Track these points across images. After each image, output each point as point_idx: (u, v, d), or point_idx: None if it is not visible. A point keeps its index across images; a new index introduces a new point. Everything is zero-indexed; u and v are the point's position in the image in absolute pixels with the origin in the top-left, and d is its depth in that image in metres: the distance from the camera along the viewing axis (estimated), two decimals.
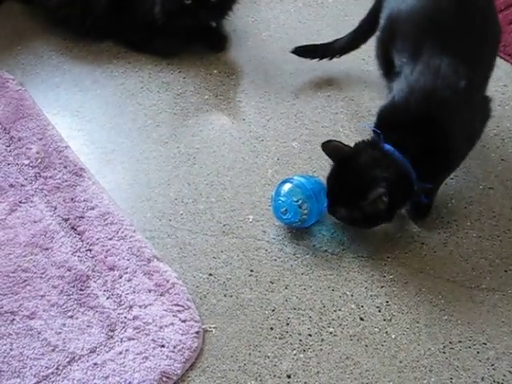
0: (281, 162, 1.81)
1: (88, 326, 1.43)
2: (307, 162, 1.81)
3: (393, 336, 1.46)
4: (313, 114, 1.95)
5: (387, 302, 1.52)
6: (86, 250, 1.56)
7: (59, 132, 1.83)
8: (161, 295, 1.48)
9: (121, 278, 1.51)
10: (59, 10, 2.10)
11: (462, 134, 1.57)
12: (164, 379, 1.36)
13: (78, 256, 1.55)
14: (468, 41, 1.56)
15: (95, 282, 1.51)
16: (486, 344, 1.45)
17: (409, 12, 1.61)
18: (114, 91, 2.00)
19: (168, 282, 1.50)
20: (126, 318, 1.45)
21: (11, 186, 1.69)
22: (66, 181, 1.70)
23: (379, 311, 1.51)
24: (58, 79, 2.03)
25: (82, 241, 1.58)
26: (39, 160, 1.74)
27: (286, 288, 1.54)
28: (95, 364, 1.37)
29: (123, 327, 1.43)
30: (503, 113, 1.91)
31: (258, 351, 1.43)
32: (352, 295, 1.53)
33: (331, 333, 1.46)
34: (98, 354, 1.39)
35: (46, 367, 1.36)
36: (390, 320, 1.49)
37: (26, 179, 1.70)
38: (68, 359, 1.38)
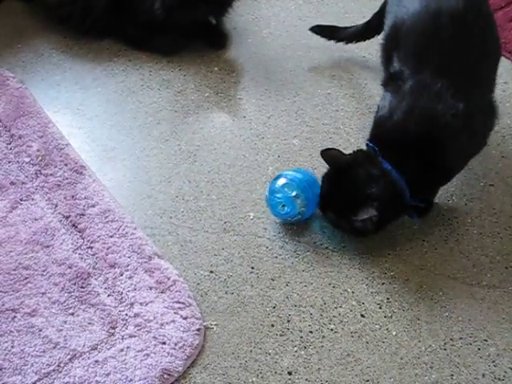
0: (281, 159, 1.81)
1: (89, 324, 1.43)
2: (308, 160, 1.81)
3: (394, 333, 1.46)
4: (313, 111, 1.95)
5: (388, 298, 1.52)
6: (87, 248, 1.57)
7: (60, 130, 1.84)
8: (162, 292, 1.48)
9: (122, 275, 1.51)
10: (59, 8, 2.10)
11: (460, 155, 1.58)
12: (165, 376, 1.36)
13: (79, 253, 1.55)
14: (466, 60, 1.55)
15: (96, 279, 1.51)
16: (486, 341, 1.45)
17: (411, 25, 1.60)
18: (114, 89, 2.00)
19: (169, 279, 1.51)
20: (127, 315, 1.45)
21: (12, 183, 1.69)
22: (67, 178, 1.70)
23: (380, 308, 1.51)
24: (58, 77, 2.03)
25: (83, 238, 1.58)
26: (40, 158, 1.75)
27: (287, 285, 1.54)
28: (96, 361, 1.37)
29: (124, 324, 1.43)
30: (504, 110, 1.91)
31: (259, 348, 1.43)
32: (353, 292, 1.53)
33: (332, 330, 1.46)
34: (99, 352, 1.39)
35: (48, 364, 1.37)
36: (391, 317, 1.49)
37: (26, 177, 1.70)
38: (69, 356, 1.38)
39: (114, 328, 1.43)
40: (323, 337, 1.45)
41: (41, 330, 1.41)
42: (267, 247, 1.61)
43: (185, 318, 1.44)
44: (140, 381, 1.35)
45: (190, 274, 1.55)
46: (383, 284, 1.55)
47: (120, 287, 1.49)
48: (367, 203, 1.50)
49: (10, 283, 1.48)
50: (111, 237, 1.58)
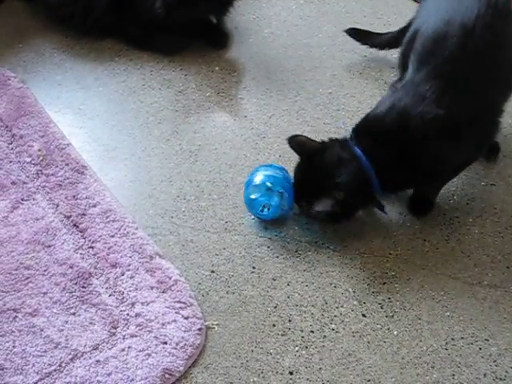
0: (283, 159, 1.81)
1: (90, 323, 1.43)
2: None
3: (395, 332, 1.46)
4: (314, 110, 1.95)
5: (389, 298, 1.52)
6: (88, 248, 1.57)
7: (61, 129, 1.84)
8: (163, 292, 1.48)
9: (123, 275, 1.51)
10: (61, 8, 2.11)
11: (435, 160, 1.55)
12: (166, 376, 1.36)
13: (81, 253, 1.55)
14: (466, 72, 1.54)
15: (97, 279, 1.51)
16: (488, 340, 1.45)
17: (424, 31, 1.62)
18: (115, 89, 2.00)
19: (170, 279, 1.51)
20: (128, 315, 1.45)
21: (13, 183, 1.69)
22: (68, 178, 1.70)
23: (381, 308, 1.51)
24: (59, 77, 2.03)
25: (84, 238, 1.58)
26: (41, 157, 1.75)
27: (288, 285, 1.54)
28: (98, 361, 1.37)
29: (126, 324, 1.43)
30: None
31: (260, 348, 1.43)
32: (354, 292, 1.53)
33: (333, 329, 1.46)
34: (100, 351, 1.39)
35: (49, 364, 1.37)
36: (392, 316, 1.49)
37: (27, 177, 1.71)
38: (70, 356, 1.38)
39: (115, 328, 1.43)
40: (324, 336, 1.45)
41: (42, 330, 1.41)
42: (268, 247, 1.61)
43: (186, 318, 1.44)
44: (141, 380, 1.35)
45: (192, 273, 1.55)
46: (384, 284, 1.55)
47: (121, 287, 1.49)
48: (329, 194, 1.51)
49: (11, 283, 1.49)
50: (112, 237, 1.58)
